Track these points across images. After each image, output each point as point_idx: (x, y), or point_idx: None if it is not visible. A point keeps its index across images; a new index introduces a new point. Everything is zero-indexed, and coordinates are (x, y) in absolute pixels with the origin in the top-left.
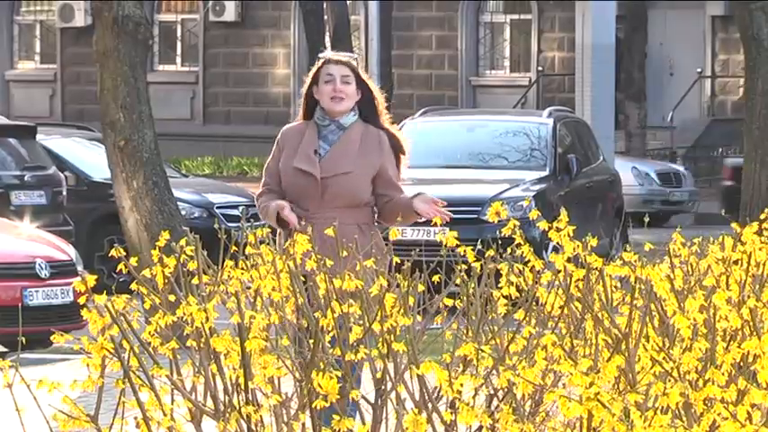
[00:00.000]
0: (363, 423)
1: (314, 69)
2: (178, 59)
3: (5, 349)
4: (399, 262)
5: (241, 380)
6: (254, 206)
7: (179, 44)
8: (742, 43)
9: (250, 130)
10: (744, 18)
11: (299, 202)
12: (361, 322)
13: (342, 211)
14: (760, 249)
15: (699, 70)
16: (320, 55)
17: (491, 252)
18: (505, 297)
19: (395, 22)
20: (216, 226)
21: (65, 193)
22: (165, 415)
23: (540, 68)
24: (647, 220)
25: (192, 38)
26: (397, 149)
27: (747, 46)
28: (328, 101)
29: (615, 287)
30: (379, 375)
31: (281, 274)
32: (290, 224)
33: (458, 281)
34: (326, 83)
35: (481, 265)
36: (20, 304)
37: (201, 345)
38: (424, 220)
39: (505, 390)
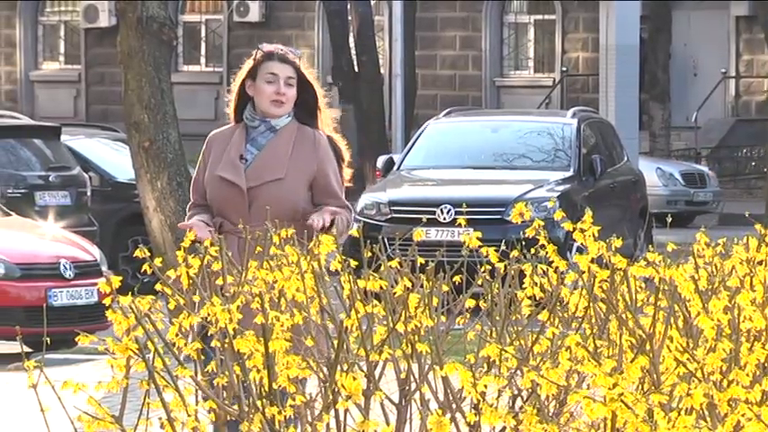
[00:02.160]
0: (388, 423)
1: (251, 62)
2: (202, 60)
3: (30, 349)
4: (423, 263)
5: (265, 380)
6: None
7: (203, 45)
8: (766, 43)
9: None
10: None
11: (227, 216)
12: (384, 323)
13: (275, 225)
14: None
15: (723, 71)
16: (261, 47)
17: (515, 253)
18: (529, 298)
19: (418, 23)
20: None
21: (89, 193)
22: (189, 416)
23: (564, 69)
24: (669, 220)
25: (216, 38)
26: (338, 155)
27: None
28: (268, 103)
29: (639, 288)
30: (403, 376)
31: (306, 275)
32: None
33: (481, 281)
34: (268, 83)
35: (505, 265)
36: (44, 304)
37: (226, 345)
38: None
39: (529, 391)
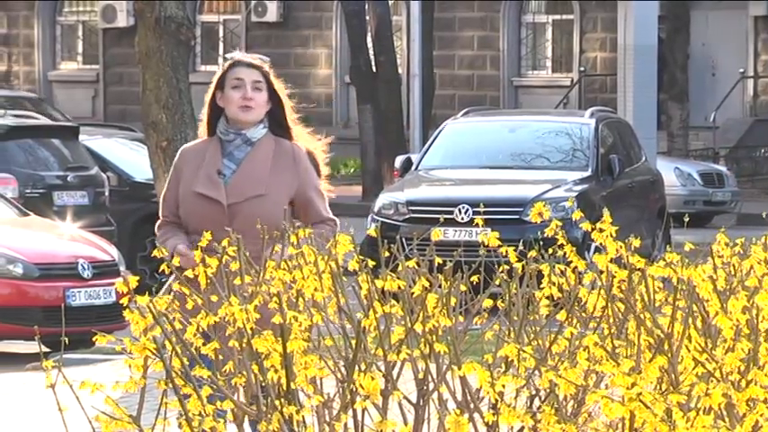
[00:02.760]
0: (406, 423)
1: (219, 72)
2: (220, 60)
3: (48, 349)
4: (441, 263)
5: (283, 380)
6: None
7: (221, 44)
8: None
9: None
10: None
11: (201, 232)
12: (402, 323)
13: (256, 243)
14: None
15: (741, 70)
16: (228, 56)
17: (533, 253)
18: (547, 298)
19: (437, 23)
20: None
21: (107, 193)
22: (207, 416)
23: (582, 69)
24: (687, 220)
25: (233, 38)
26: (316, 167)
27: None
28: (235, 109)
29: (658, 288)
30: (421, 376)
31: (324, 275)
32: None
33: (498, 281)
34: (235, 88)
35: (523, 265)
36: (62, 304)
37: (244, 345)
38: None
39: (547, 390)
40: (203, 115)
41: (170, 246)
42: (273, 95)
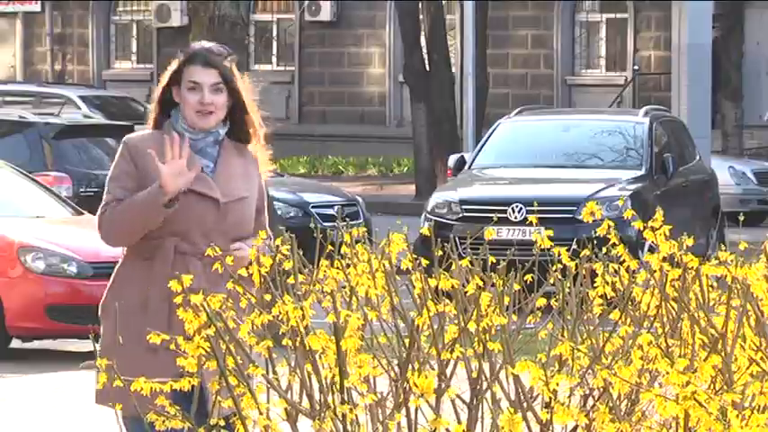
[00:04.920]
0: (459, 422)
1: (173, 66)
2: (274, 59)
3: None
4: (494, 261)
5: (336, 379)
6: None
7: (275, 44)
8: None
9: (345, 129)
10: None
11: (186, 235)
12: (456, 321)
13: (234, 244)
14: None
15: None
16: (184, 49)
17: (586, 252)
18: (601, 297)
19: (490, 22)
20: (311, 225)
21: None
22: (260, 414)
23: (635, 67)
24: (741, 218)
25: (287, 37)
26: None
27: None
28: (193, 114)
29: (711, 287)
30: (474, 375)
31: (377, 274)
32: (172, 188)
33: (552, 280)
34: (191, 90)
35: (576, 264)
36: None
37: (297, 344)
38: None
39: (601, 389)
40: (153, 108)
41: (145, 191)
42: (235, 96)
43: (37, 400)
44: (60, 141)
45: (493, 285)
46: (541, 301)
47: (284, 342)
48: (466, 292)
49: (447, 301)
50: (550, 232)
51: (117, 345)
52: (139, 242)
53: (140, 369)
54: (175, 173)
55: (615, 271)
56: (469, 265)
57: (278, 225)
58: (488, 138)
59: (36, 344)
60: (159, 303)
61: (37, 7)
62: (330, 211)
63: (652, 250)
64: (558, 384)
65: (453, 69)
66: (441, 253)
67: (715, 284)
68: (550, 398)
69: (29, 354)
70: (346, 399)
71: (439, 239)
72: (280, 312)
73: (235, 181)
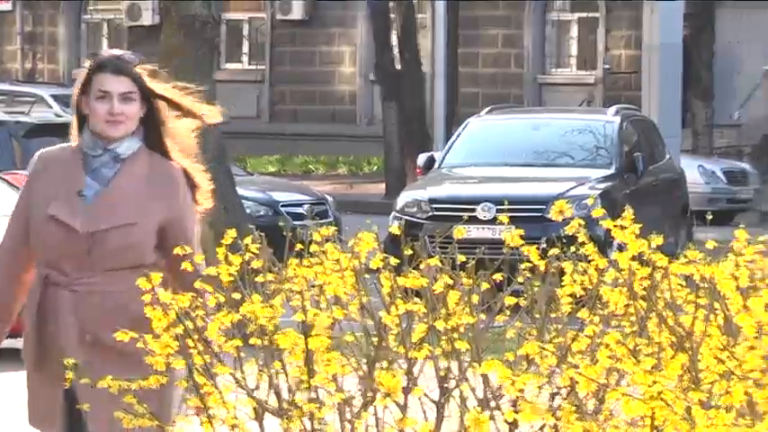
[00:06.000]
0: (426, 421)
1: (82, 75)
2: (245, 58)
3: None
4: (464, 260)
5: (304, 377)
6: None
7: (246, 43)
8: None
9: (316, 128)
10: None
11: (57, 266)
12: (424, 320)
13: (116, 274)
14: None
15: (766, 68)
16: (92, 57)
17: (555, 250)
18: (569, 296)
19: (461, 21)
20: (281, 224)
21: None
22: (228, 412)
23: (606, 66)
24: (710, 217)
25: (259, 36)
26: (192, 184)
27: None
28: (102, 124)
29: (680, 286)
30: (442, 373)
31: (346, 273)
32: None
33: (521, 279)
34: (100, 100)
35: (545, 263)
36: None
37: (266, 342)
38: None
39: (568, 388)
40: (73, 120)
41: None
42: (150, 103)
43: None
44: (30, 140)
45: (462, 284)
46: (510, 300)
47: (252, 341)
48: (435, 291)
49: (416, 299)
50: (520, 231)
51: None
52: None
53: (30, 387)
54: None
55: (584, 270)
56: (439, 264)
57: (247, 224)
58: (458, 137)
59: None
60: (31, 333)
61: (8, 6)
62: (300, 210)
63: (621, 249)
64: (525, 383)
65: (424, 68)
66: (410, 252)
67: (683, 283)
68: (518, 397)
69: None
70: (314, 397)
71: (408, 238)
72: (248, 311)
73: (122, 206)
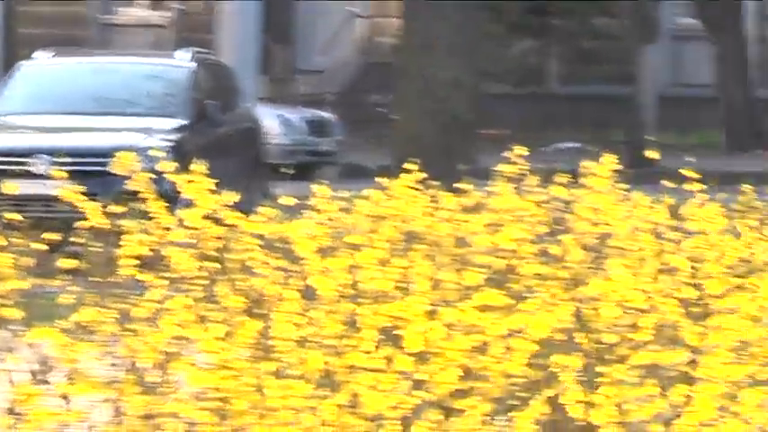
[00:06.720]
0: None
1: None
2: None
3: None
4: (19, 219)
5: None
6: None
7: None
8: None
9: None
10: None
11: None
12: None
13: None
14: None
15: (348, 9)
16: None
17: (119, 208)
18: (132, 257)
19: None
20: None
21: None
22: None
23: (181, 8)
24: (292, 172)
25: None
26: None
27: None
28: None
29: (254, 246)
30: None
31: None
32: None
33: (79, 239)
34: None
35: (107, 222)
36: None
37: None
38: None
39: (129, 358)
40: None
41: None
42: None
43: None
44: None
45: (13, 245)
46: (67, 263)
47: None
48: None
49: None
50: (80, 187)
51: None
52: None
53: None
54: None
55: (147, 230)
56: None
57: None
58: (8, 82)
59: None
60: None
61: None
62: None
63: (189, 206)
64: (80, 353)
65: None
66: None
67: (259, 243)
68: (73, 368)
69: None
70: None
71: None
72: None
73: None
